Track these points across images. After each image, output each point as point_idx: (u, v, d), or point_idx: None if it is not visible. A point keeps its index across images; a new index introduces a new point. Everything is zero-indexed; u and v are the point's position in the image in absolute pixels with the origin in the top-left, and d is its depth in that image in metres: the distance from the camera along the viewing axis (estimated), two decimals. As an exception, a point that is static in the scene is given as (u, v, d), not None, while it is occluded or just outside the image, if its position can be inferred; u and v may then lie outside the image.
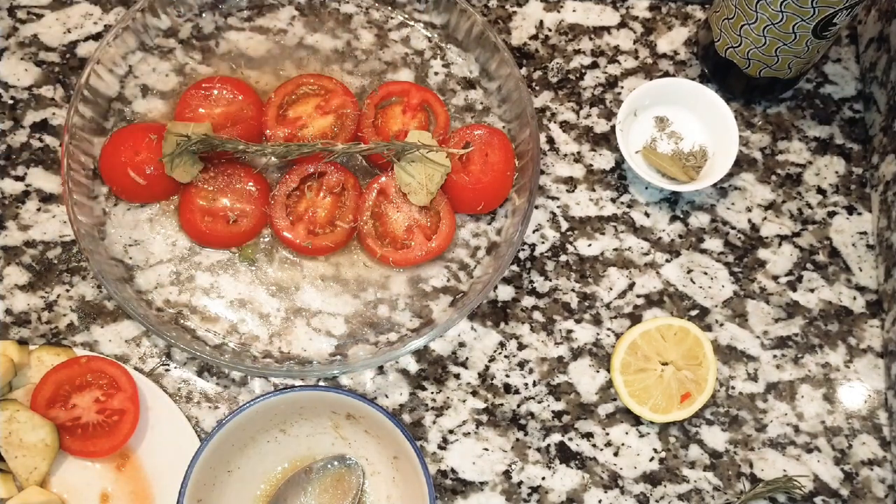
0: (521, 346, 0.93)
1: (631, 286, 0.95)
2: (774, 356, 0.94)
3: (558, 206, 0.98)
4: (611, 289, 0.95)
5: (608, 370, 0.92)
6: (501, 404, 0.91)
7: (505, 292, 0.94)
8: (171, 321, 0.90)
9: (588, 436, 0.90)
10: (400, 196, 0.93)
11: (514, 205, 0.95)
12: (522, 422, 0.91)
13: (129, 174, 0.91)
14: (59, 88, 0.99)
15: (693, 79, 1.01)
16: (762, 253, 0.97)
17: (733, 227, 0.98)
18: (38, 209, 0.94)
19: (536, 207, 0.97)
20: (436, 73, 1.01)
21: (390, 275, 0.94)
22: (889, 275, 0.94)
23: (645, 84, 0.98)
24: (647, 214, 0.98)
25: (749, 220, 0.98)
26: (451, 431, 0.90)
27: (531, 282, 0.95)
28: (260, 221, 0.93)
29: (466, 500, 0.88)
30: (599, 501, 0.89)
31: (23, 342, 0.88)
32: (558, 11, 1.05)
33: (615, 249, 0.96)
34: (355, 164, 0.96)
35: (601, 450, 0.90)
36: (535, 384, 0.92)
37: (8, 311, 0.91)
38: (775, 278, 0.96)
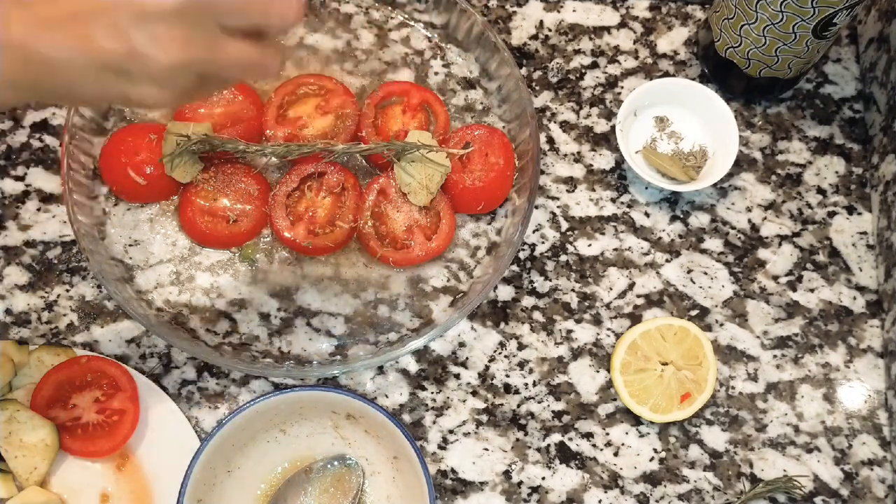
0: (521, 346, 0.93)
1: (631, 286, 0.95)
2: (774, 356, 0.94)
3: (558, 206, 0.98)
4: (611, 289, 0.95)
5: (608, 370, 0.92)
6: (501, 404, 0.91)
7: (505, 292, 0.94)
8: (171, 321, 0.90)
9: (588, 436, 0.90)
10: (400, 196, 0.93)
11: (514, 205, 0.95)
12: (522, 422, 0.91)
13: (129, 174, 0.91)
14: (59, 88, 0.99)
15: (693, 79, 1.01)
16: (762, 253, 0.97)
17: (733, 227, 0.98)
18: (38, 209, 0.94)
19: (536, 207, 0.97)
20: (436, 73, 1.01)
21: (390, 275, 0.94)
22: (889, 275, 0.94)
23: (645, 84, 0.98)
24: (647, 214, 0.98)
25: (749, 220, 0.98)
26: (451, 431, 0.90)
27: (531, 282, 0.95)
28: (260, 221, 0.93)
29: (466, 500, 0.88)
30: (599, 501, 0.89)
31: (23, 342, 0.88)
32: (558, 11, 1.05)
33: (615, 249, 0.96)
34: (355, 164, 0.96)
35: (601, 450, 0.90)
36: (535, 384, 0.92)
37: (8, 311, 0.91)
38: (775, 278, 0.96)
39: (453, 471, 0.89)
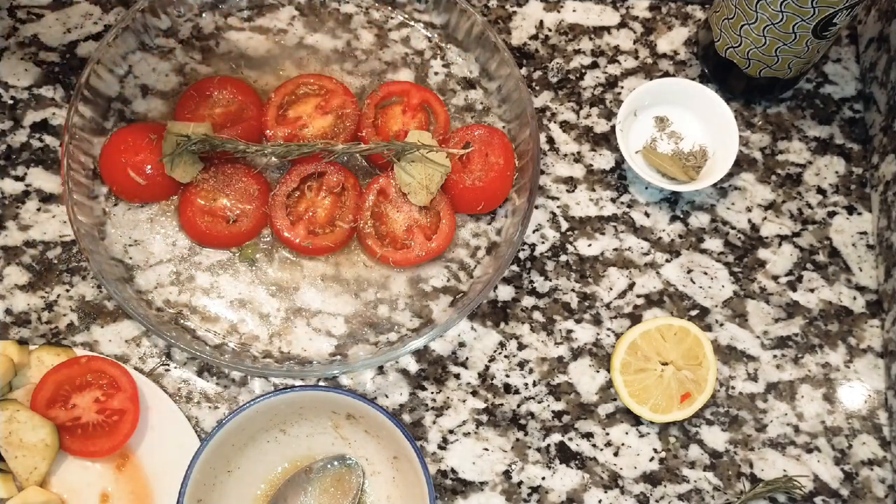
0: (521, 346, 0.93)
1: (631, 286, 0.95)
2: (774, 356, 0.94)
3: (558, 206, 0.98)
4: (611, 289, 0.95)
5: (608, 370, 0.92)
6: (501, 404, 0.91)
7: (505, 292, 0.94)
8: (171, 321, 0.90)
9: (588, 436, 0.90)
10: (400, 196, 0.93)
11: (514, 205, 0.95)
12: (522, 422, 0.91)
13: (129, 174, 0.91)
14: (59, 88, 0.99)
15: (693, 79, 1.01)
16: (762, 253, 0.97)
17: (733, 227, 0.98)
18: (38, 209, 0.94)
19: (536, 207, 0.97)
20: (436, 73, 1.01)
21: (390, 275, 0.94)
22: (889, 275, 0.94)
23: (645, 84, 0.98)
24: (647, 214, 0.98)
25: (749, 220, 0.98)
26: (451, 431, 0.90)
27: (531, 282, 0.95)
28: (260, 221, 0.93)
29: (466, 500, 0.88)
30: (599, 501, 0.89)
31: (23, 342, 0.88)
32: (558, 11, 1.05)
33: (615, 249, 0.96)
34: (355, 164, 0.96)
35: (601, 450, 0.90)
36: (535, 384, 0.92)
37: (8, 311, 0.91)
38: (775, 278, 0.96)
39: (453, 471, 0.89)
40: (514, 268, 0.95)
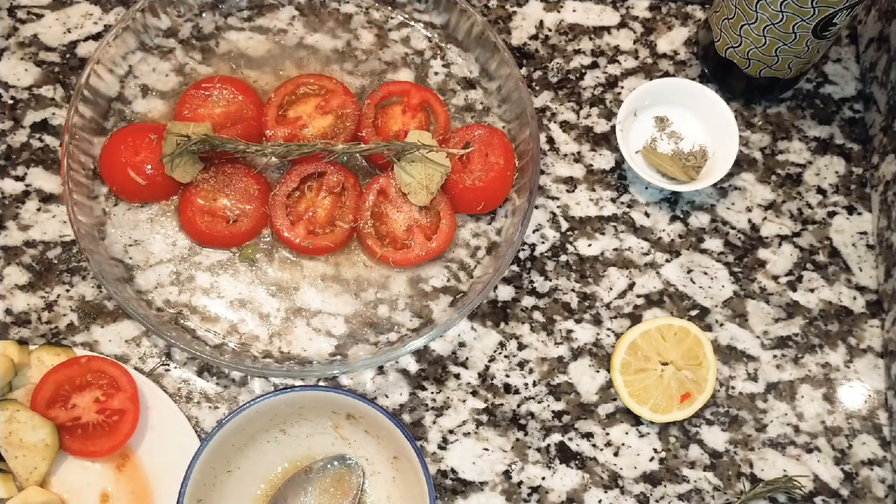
0: (521, 346, 0.93)
1: (631, 286, 0.95)
2: (774, 356, 0.94)
3: (558, 206, 0.98)
4: (611, 289, 0.95)
5: (608, 370, 0.92)
6: (501, 404, 0.91)
7: (505, 292, 0.94)
8: (171, 321, 0.90)
9: (588, 436, 0.90)
10: (400, 196, 0.93)
11: (514, 205, 0.95)
12: (522, 422, 0.91)
13: (129, 174, 0.91)
14: (59, 88, 0.99)
15: (693, 79, 1.01)
16: (762, 253, 0.97)
17: (733, 227, 0.98)
18: (38, 209, 0.94)
19: (536, 207, 0.97)
20: (436, 73, 1.01)
21: (390, 275, 0.94)
22: (889, 275, 0.94)
23: (645, 84, 0.98)
24: (647, 214, 0.98)
25: (749, 220, 0.98)
26: (451, 431, 0.90)
27: (531, 282, 0.95)
28: (260, 221, 0.93)
29: (466, 500, 0.88)
30: (599, 501, 0.89)
31: (23, 342, 0.88)
32: (558, 11, 1.05)
33: (615, 249, 0.96)
34: (355, 164, 0.96)
35: (601, 450, 0.90)
36: (535, 384, 0.92)
37: (8, 311, 0.91)
38: (775, 278, 0.96)
39: (453, 471, 0.89)
40: (514, 268, 0.95)
